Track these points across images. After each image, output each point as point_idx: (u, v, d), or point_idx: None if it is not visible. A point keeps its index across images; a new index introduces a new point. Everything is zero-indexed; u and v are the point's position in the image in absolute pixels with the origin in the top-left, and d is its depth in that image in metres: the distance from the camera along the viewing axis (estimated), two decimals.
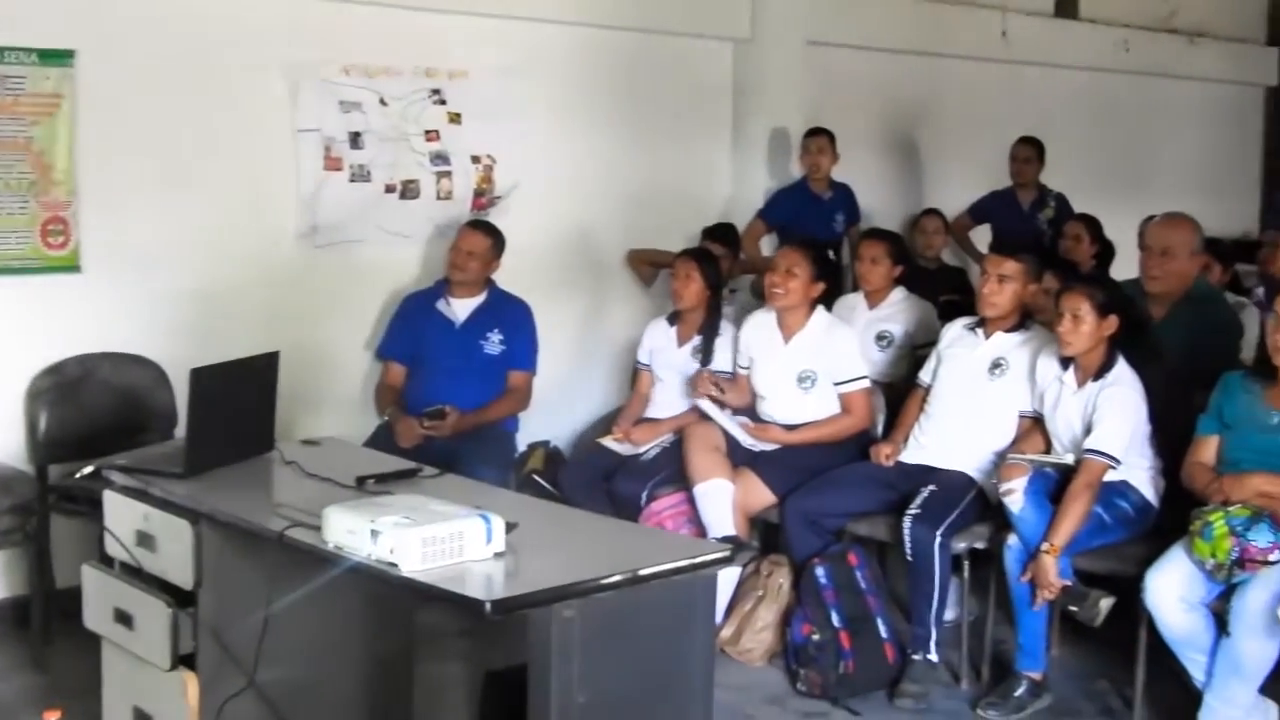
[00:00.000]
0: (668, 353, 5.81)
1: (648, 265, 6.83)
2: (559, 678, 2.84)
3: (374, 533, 3.01)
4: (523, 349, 5.80)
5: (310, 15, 5.70)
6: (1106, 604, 4.35)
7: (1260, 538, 3.99)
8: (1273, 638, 3.92)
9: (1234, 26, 10.33)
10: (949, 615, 4.99)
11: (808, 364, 5.32)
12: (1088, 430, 4.57)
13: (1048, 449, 4.78)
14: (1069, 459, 4.62)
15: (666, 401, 5.77)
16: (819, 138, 7.19)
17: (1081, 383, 4.67)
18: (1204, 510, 4.15)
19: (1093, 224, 7.09)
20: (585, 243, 6.76)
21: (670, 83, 7.02)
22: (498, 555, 3.06)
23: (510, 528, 3.12)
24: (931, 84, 8.31)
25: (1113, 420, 4.53)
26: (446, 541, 3.00)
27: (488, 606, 2.81)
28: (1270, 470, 4.16)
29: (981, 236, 7.80)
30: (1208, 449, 4.39)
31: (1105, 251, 7.04)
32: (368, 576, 3.06)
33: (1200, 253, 5.49)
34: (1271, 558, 3.98)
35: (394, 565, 2.97)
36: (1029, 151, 7.88)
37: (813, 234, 6.39)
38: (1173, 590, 4.16)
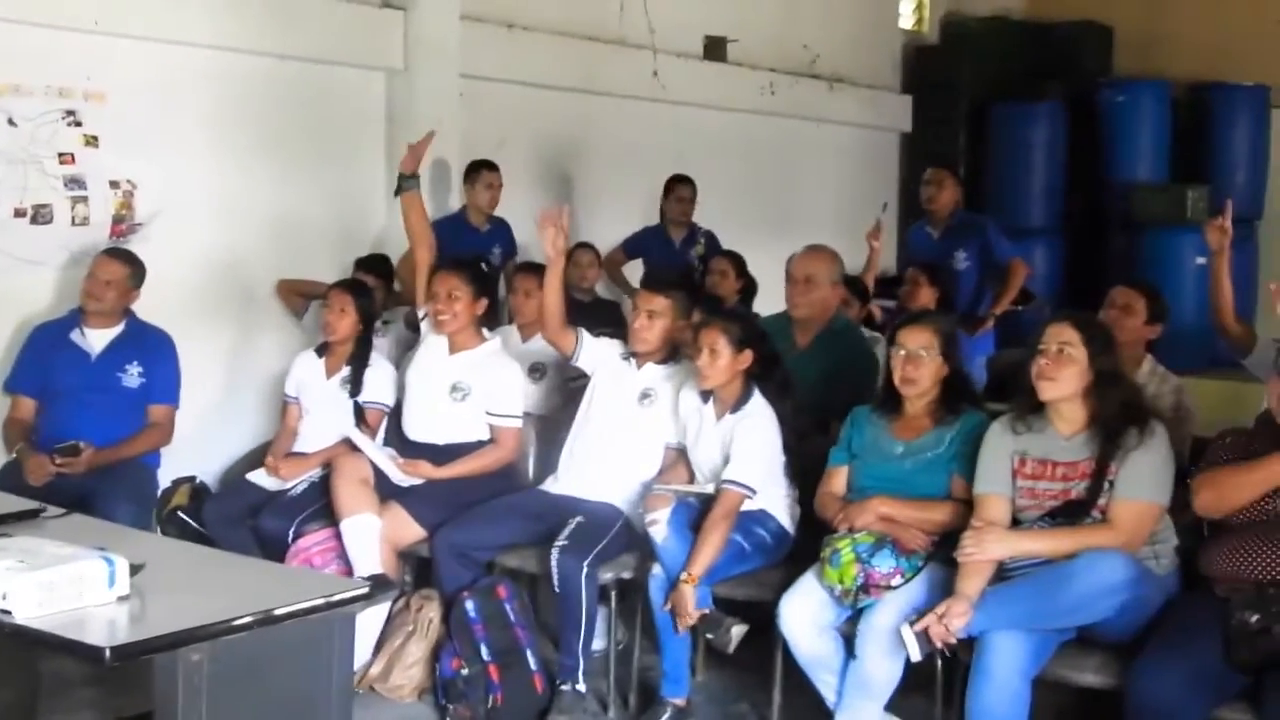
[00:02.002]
0: (316, 385, 5.70)
1: (299, 296, 6.69)
2: None
3: None
4: (163, 381, 5.60)
5: None
6: (739, 631, 4.49)
7: (883, 564, 4.18)
8: (896, 658, 4.09)
9: (871, 75, 10.86)
10: (597, 645, 5.04)
11: (465, 377, 5.32)
12: (727, 461, 4.71)
13: (691, 479, 4.91)
14: (710, 489, 4.74)
15: (315, 435, 5.64)
16: (487, 172, 7.24)
17: (720, 415, 4.81)
18: (832, 538, 4.32)
19: (737, 260, 7.37)
20: (233, 272, 6.56)
21: (322, 111, 6.90)
22: (121, 599, 2.94)
23: (136, 569, 3.00)
24: (585, 120, 8.43)
25: (748, 452, 4.68)
26: (64, 586, 2.86)
27: (107, 653, 2.69)
28: (895, 496, 4.37)
29: (634, 271, 7.98)
30: (838, 479, 4.58)
31: (749, 287, 7.31)
32: None
33: (840, 283, 5.77)
34: (893, 582, 4.17)
35: (7, 612, 2.81)
36: (682, 190, 8.11)
37: None
38: (805, 615, 4.31)
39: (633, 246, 8.20)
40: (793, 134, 9.99)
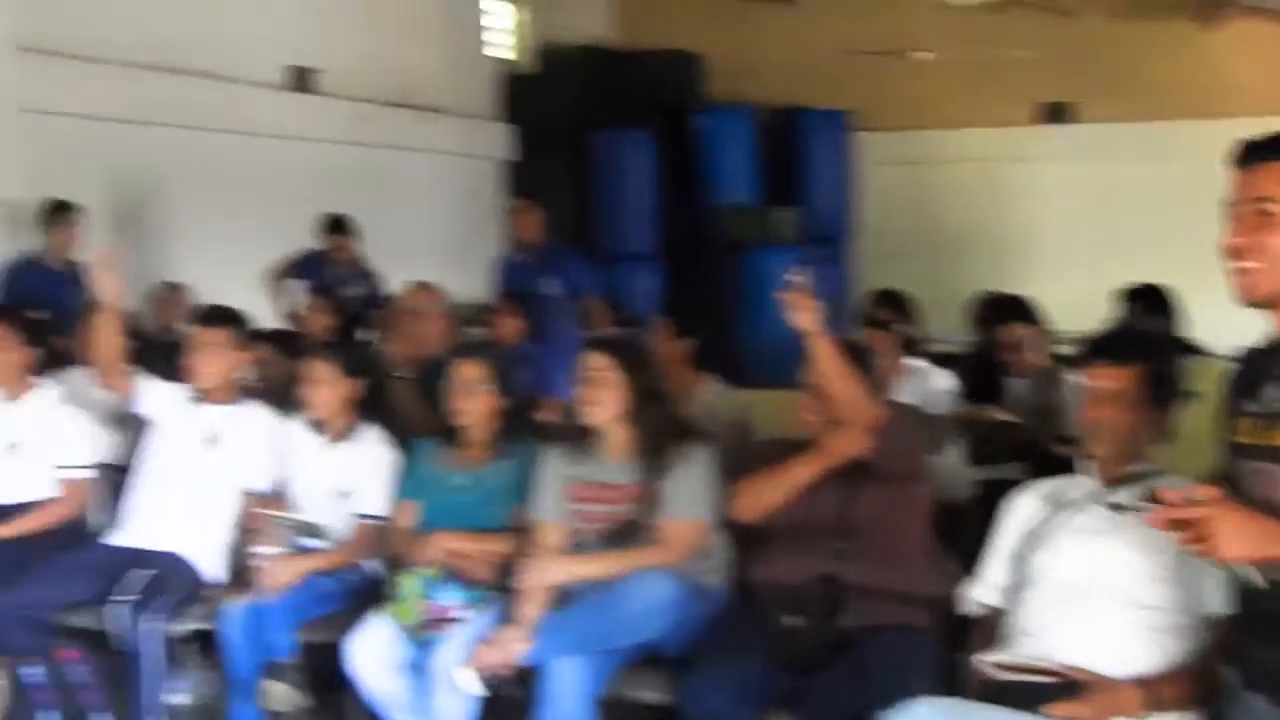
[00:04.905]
0: None
1: None
2: None
3: None
4: None
5: None
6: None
7: (447, 597, 4.20)
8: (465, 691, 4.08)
9: (466, 104, 10.95)
10: (181, 699, 4.87)
11: (22, 430, 5.09)
12: (341, 494, 4.74)
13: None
14: (321, 520, 4.71)
15: None
16: (66, 213, 6.99)
17: (331, 443, 4.83)
18: (399, 573, 4.31)
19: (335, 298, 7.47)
20: None
21: None
22: None
23: None
24: (165, 154, 8.17)
25: (373, 482, 4.72)
26: None
27: None
28: (457, 529, 4.40)
29: None
30: (405, 514, 4.59)
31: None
32: None
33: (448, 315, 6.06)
34: (458, 615, 4.19)
35: None
36: (335, 239, 8.32)
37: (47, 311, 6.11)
38: (374, 654, 4.25)
39: (295, 268, 8.26)
40: (390, 164, 9.96)
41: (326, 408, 4.80)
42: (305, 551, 4.65)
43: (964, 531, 4.64)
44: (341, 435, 4.84)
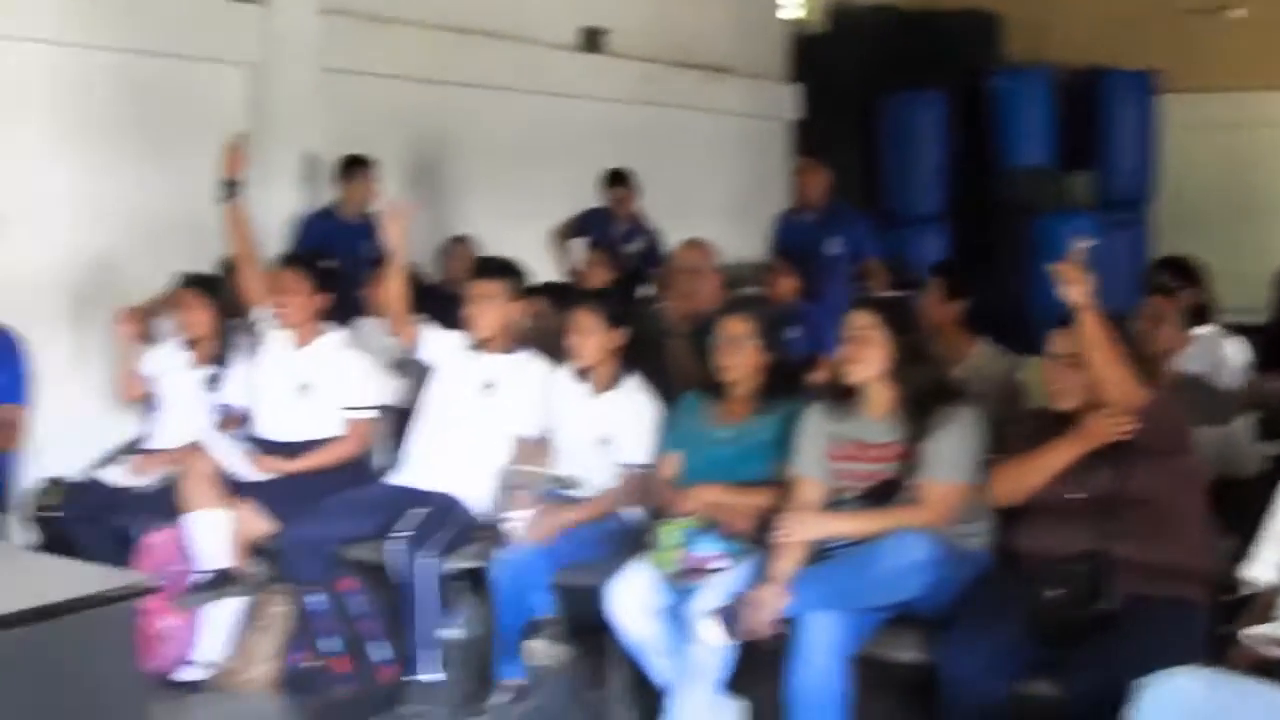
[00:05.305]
0: (177, 375, 5.70)
1: (142, 326, 6.11)
2: None
3: None
4: (9, 381, 5.53)
5: None
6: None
7: (705, 547, 4.23)
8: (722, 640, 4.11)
9: (754, 64, 10.92)
10: (455, 633, 5.06)
11: (311, 373, 5.35)
12: (602, 441, 4.83)
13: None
14: (577, 476, 4.83)
15: (172, 429, 5.64)
16: (364, 168, 7.24)
17: (596, 393, 4.93)
18: (660, 523, 4.37)
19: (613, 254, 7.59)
20: (97, 272, 6.45)
21: (179, 108, 6.78)
22: None
23: None
24: (456, 113, 8.37)
25: (635, 431, 4.80)
26: None
27: None
28: (718, 482, 4.42)
29: None
30: (668, 465, 4.63)
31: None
32: None
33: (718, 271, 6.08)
34: (716, 565, 4.22)
35: None
36: (616, 191, 8.41)
37: (339, 261, 6.37)
38: (634, 600, 4.34)
39: (579, 226, 8.42)
40: (675, 124, 10.00)
41: (591, 357, 4.90)
42: (562, 502, 4.76)
43: (1250, 507, 4.44)
44: (606, 385, 4.92)
